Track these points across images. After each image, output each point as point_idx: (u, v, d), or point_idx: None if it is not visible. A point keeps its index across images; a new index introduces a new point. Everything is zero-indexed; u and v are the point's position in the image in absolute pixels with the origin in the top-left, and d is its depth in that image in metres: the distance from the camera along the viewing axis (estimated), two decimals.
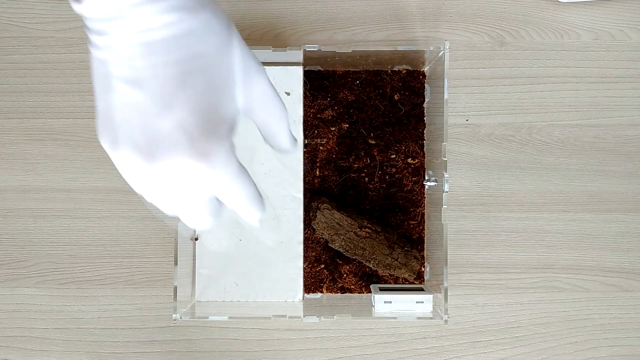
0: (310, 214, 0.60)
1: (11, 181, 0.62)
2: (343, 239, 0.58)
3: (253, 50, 0.57)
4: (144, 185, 0.33)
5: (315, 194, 0.61)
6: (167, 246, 0.62)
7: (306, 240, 0.61)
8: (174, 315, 0.54)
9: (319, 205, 0.59)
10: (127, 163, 0.32)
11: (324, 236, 0.59)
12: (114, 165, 0.34)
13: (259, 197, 0.36)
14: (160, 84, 0.30)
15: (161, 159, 0.31)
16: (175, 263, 0.55)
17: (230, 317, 0.55)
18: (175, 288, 0.54)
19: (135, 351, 0.62)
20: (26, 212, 0.62)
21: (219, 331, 0.62)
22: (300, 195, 0.60)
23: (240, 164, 0.34)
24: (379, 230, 0.59)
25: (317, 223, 0.59)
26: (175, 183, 0.32)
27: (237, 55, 0.33)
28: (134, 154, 0.31)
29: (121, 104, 0.30)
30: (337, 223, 0.58)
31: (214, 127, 0.31)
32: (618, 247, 0.62)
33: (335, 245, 0.59)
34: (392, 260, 0.59)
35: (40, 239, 0.62)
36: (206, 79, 0.31)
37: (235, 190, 0.34)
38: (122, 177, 0.34)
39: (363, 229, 0.58)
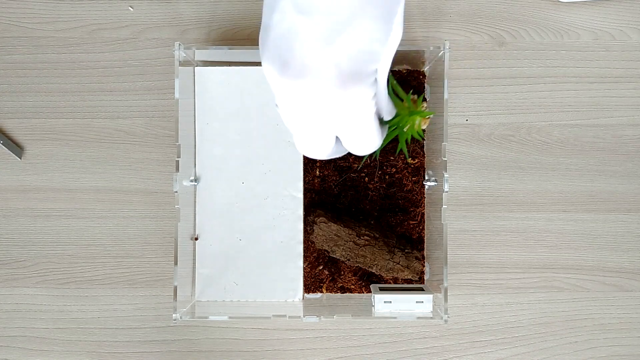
0: (308, 228, 0.60)
1: (11, 181, 0.62)
2: (343, 249, 0.58)
3: (253, 50, 0.57)
4: (278, 95, 0.36)
5: (315, 193, 0.61)
6: (167, 246, 0.62)
7: (306, 240, 0.61)
8: (174, 315, 0.54)
9: (315, 219, 0.59)
10: (271, 74, 0.34)
11: (323, 248, 0.59)
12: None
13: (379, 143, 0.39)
14: (327, 19, 0.32)
15: (306, 82, 0.33)
16: (175, 263, 0.55)
17: (230, 317, 0.55)
18: (175, 288, 0.54)
19: (135, 351, 0.62)
20: (26, 212, 0.62)
21: (219, 331, 0.62)
22: (300, 195, 0.60)
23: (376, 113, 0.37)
24: (378, 236, 0.59)
25: (316, 237, 0.59)
26: (305, 104, 0.35)
27: (393, 39, 0.35)
28: (279, 69, 0.34)
29: (283, 24, 0.33)
30: (335, 234, 0.58)
31: (362, 75, 0.34)
32: (618, 247, 0.63)
33: (336, 255, 0.59)
34: (394, 264, 0.59)
35: (40, 239, 0.62)
36: (371, 27, 0.33)
37: (366, 137, 0.37)
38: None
39: (362, 237, 0.58)
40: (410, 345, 0.62)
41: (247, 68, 0.60)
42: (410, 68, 0.61)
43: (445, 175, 0.54)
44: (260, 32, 0.35)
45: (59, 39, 0.62)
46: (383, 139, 0.41)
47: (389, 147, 0.61)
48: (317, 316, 0.54)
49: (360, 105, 0.35)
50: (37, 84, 0.62)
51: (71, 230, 0.62)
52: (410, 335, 0.62)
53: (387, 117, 0.41)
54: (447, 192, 0.54)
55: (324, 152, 0.39)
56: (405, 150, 0.58)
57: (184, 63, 0.57)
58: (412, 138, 0.61)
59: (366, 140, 0.38)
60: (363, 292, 0.61)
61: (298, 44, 0.33)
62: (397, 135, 0.48)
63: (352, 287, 0.61)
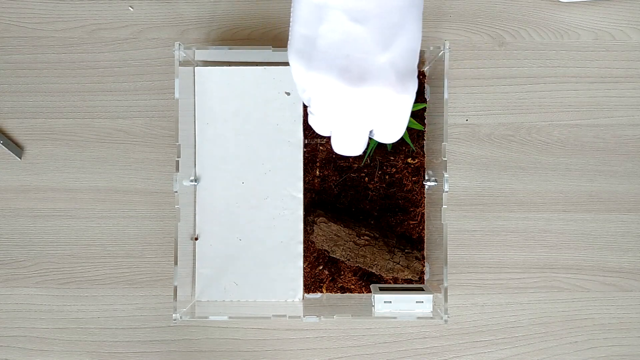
0: (308, 228, 0.60)
1: (11, 181, 0.62)
2: (343, 249, 0.58)
3: (253, 50, 0.57)
4: (330, 104, 0.37)
5: (315, 193, 0.61)
6: (167, 246, 0.62)
7: (306, 240, 0.61)
8: (174, 315, 0.54)
9: (315, 219, 0.59)
10: (325, 82, 0.35)
11: (323, 248, 0.59)
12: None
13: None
14: (383, 24, 0.34)
15: (366, 87, 0.35)
16: (175, 263, 0.55)
17: (230, 317, 0.55)
18: (175, 288, 0.54)
19: (135, 351, 0.62)
20: (26, 212, 0.62)
21: (219, 331, 0.62)
22: (300, 195, 0.60)
23: None
24: (378, 236, 0.59)
25: (316, 237, 0.59)
26: (361, 109, 0.36)
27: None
28: (338, 77, 0.35)
29: (335, 34, 0.34)
30: (335, 235, 0.58)
31: (412, 72, 0.36)
32: (618, 247, 0.63)
33: (336, 255, 0.59)
34: (394, 264, 0.59)
35: (40, 239, 0.62)
36: (414, 27, 0.35)
37: (402, 126, 0.39)
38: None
39: (362, 237, 0.58)
40: (410, 345, 0.62)
41: (247, 68, 0.60)
42: None
43: (445, 175, 0.54)
44: (296, 44, 0.36)
45: (59, 39, 0.62)
46: None
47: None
48: (317, 316, 0.54)
49: (412, 100, 0.37)
50: (37, 84, 0.62)
51: (71, 230, 0.62)
52: (410, 335, 0.62)
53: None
54: (447, 192, 0.54)
55: (361, 148, 0.40)
56: (408, 139, 0.58)
57: (184, 63, 0.57)
58: (413, 138, 0.61)
59: (401, 130, 0.40)
60: (363, 292, 0.61)
61: (356, 51, 0.34)
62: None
63: (352, 287, 0.61)
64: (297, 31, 0.36)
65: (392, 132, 0.39)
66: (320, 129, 0.40)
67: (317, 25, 0.35)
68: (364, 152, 0.61)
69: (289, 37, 0.37)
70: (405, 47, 0.35)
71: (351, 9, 0.34)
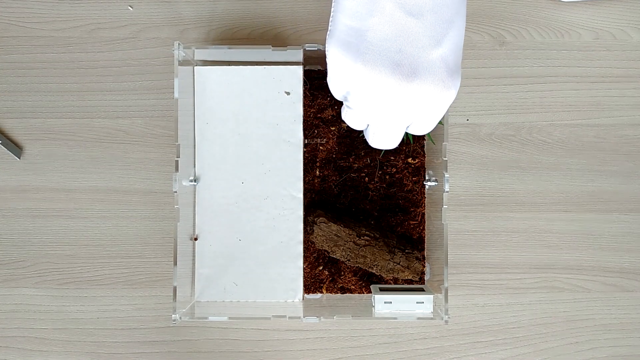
0: (308, 229, 0.60)
1: (10, 181, 0.62)
2: (343, 249, 0.58)
3: (253, 50, 0.57)
4: (374, 98, 0.36)
5: (315, 194, 0.61)
6: (166, 246, 0.62)
7: (306, 240, 0.61)
8: (173, 315, 0.54)
9: (315, 220, 0.58)
10: (374, 76, 0.35)
11: (323, 248, 0.59)
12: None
13: None
14: (437, 19, 0.34)
15: (418, 82, 0.35)
16: (175, 263, 0.55)
17: (230, 318, 0.55)
18: (175, 288, 0.54)
19: (135, 352, 0.62)
20: (25, 212, 0.62)
21: (218, 332, 0.62)
22: (300, 195, 0.60)
23: None
24: (378, 236, 0.59)
25: (316, 237, 0.58)
26: (409, 104, 0.36)
27: None
28: (391, 71, 0.35)
29: (388, 27, 0.34)
30: (335, 235, 0.58)
31: (459, 67, 0.37)
32: (618, 247, 0.62)
33: (337, 256, 0.59)
34: (395, 264, 0.58)
35: (39, 239, 0.62)
36: (462, 24, 0.36)
37: (438, 119, 0.39)
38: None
39: (362, 237, 0.58)
40: (410, 346, 0.62)
41: (247, 68, 0.60)
42: None
43: (445, 175, 0.53)
44: (341, 35, 0.35)
45: (59, 38, 0.62)
46: None
47: None
48: (317, 317, 0.54)
49: (455, 95, 0.37)
50: (36, 83, 0.62)
51: (71, 230, 0.62)
52: (411, 336, 0.62)
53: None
54: (447, 192, 0.54)
55: (398, 141, 0.40)
56: (430, 138, 0.58)
57: (184, 62, 0.57)
58: (412, 138, 0.61)
59: (435, 124, 0.39)
60: (363, 293, 0.61)
61: (410, 45, 0.34)
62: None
63: (352, 287, 0.61)
64: (342, 22, 0.35)
65: (428, 125, 0.39)
66: (355, 123, 0.39)
67: (368, 18, 0.34)
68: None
69: (330, 28, 0.36)
70: (455, 43, 0.35)
71: (406, 2, 0.33)
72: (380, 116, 0.38)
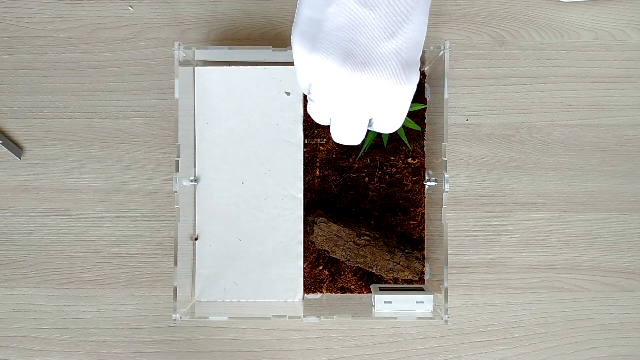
0: (308, 229, 0.60)
1: (11, 181, 0.62)
2: (343, 249, 0.58)
3: (253, 50, 0.57)
4: (330, 89, 0.36)
5: (315, 194, 0.61)
6: (167, 246, 0.62)
7: (306, 240, 0.61)
8: (173, 315, 0.54)
9: (315, 220, 0.58)
10: (328, 66, 0.35)
11: (323, 248, 0.59)
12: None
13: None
14: (391, 12, 0.34)
15: (369, 73, 0.35)
16: (175, 263, 0.55)
17: (230, 317, 0.55)
18: (175, 288, 0.54)
19: (135, 351, 0.62)
20: (25, 212, 0.62)
21: (218, 331, 0.62)
22: (300, 195, 0.60)
23: None
24: (378, 236, 0.59)
25: (316, 237, 0.59)
26: (362, 95, 0.36)
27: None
28: (341, 60, 0.35)
29: (343, 17, 0.34)
30: (335, 235, 0.58)
31: (415, 63, 0.36)
32: (618, 247, 0.62)
33: (337, 256, 0.59)
34: (394, 264, 0.58)
35: (39, 239, 0.62)
36: (421, 20, 0.36)
37: (401, 116, 0.39)
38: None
39: (362, 237, 0.58)
40: (410, 346, 0.62)
41: (247, 68, 0.60)
42: None
43: (445, 175, 0.53)
44: (301, 25, 0.36)
45: (59, 38, 0.62)
46: None
47: (389, 147, 0.61)
48: (317, 316, 0.54)
49: (412, 91, 0.37)
50: (36, 83, 0.62)
51: (71, 230, 0.62)
52: (411, 336, 0.62)
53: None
54: (447, 192, 0.54)
55: (360, 137, 0.40)
56: (403, 136, 0.58)
57: (184, 63, 0.57)
58: (412, 138, 0.61)
59: (400, 121, 0.39)
60: (363, 292, 0.61)
61: (362, 36, 0.34)
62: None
63: (352, 287, 0.61)
64: (304, 13, 0.36)
65: (390, 122, 0.39)
66: (319, 117, 0.40)
67: (325, 8, 0.35)
68: (360, 146, 0.60)
69: (295, 19, 0.36)
70: (410, 38, 0.35)
71: None
72: (339, 109, 0.38)
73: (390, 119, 0.39)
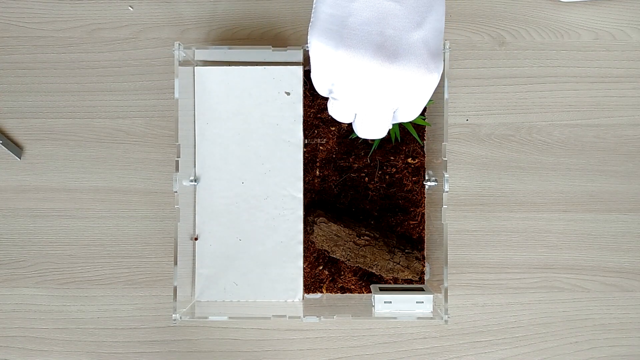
0: (308, 229, 0.60)
1: (11, 181, 0.62)
2: (343, 249, 0.58)
3: (253, 50, 0.57)
4: (358, 84, 0.37)
5: (315, 194, 0.61)
6: (167, 246, 0.62)
7: (306, 240, 0.61)
8: (173, 315, 0.54)
9: (315, 219, 0.58)
10: (357, 60, 0.35)
11: (323, 248, 0.59)
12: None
13: None
14: (415, 3, 0.35)
15: (401, 63, 0.35)
16: (175, 263, 0.55)
17: (230, 317, 0.55)
18: (175, 288, 0.54)
19: (135, 351, 0.62)
20: (25, 212, 0.62)
21: (218, 331, 0.62)
22: (300, 195, 0.60)
23: None
24: (378, 236, 0.59)
25: (316, 237, 0.59)
26: (392, 87, 0.36)
27: None
28: (373, 53, 0.35)
29: (369, 11, 0.35)
30: (335, 235, 0.58)
31: (440, 52, 0.37)
32: (618, 247, 0.62)
33: (337, 256, 0.59)
34: (394, 264, 0.59)
35: (39, 239, 0.62)
36: (441, 9, 0.37)
37: (424, 104, 0.39)
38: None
39: (362, 237, 0.58)
40: (410, 346, 0.62)
41: (247, 68, 0.60)
42: None
43: (445, 175, 0.53)
44: (322, 24, 0.36)
45: (59, 38, 0.62)
46: None
47: (389, 147, 0.61)
48: (317, 316, 0.54)
49: (438, 79, 0.37)
50: (36, 84, 0.62)
51: (71, 230, 0.62)
52: (411, 336, 0.62)
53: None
54: (447, 192, 0.54)
55: (386, 129, 0.40)
56: (413, 132, 0.58)
57: (184, 63, 0.57)
58: (412, 138, 0.61)
59: (420, 110, 0.40)
60: (363, 292, 0.61)
61: (390, 28, 0.35)
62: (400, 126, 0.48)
63: (352, 287, 0.61)
64: (324, 11, 0.36)
65: (413, 111, 0.39)
66: (342, 116, 0.40)
67: (349, 4, 0.35)
68: (372, 142, 0.60)
69: (312, 19, 0.37)
70: (434, 27, 0.36)
71: None
72: (366, 103, 0.38)
73: (414, 108, 0.39)
